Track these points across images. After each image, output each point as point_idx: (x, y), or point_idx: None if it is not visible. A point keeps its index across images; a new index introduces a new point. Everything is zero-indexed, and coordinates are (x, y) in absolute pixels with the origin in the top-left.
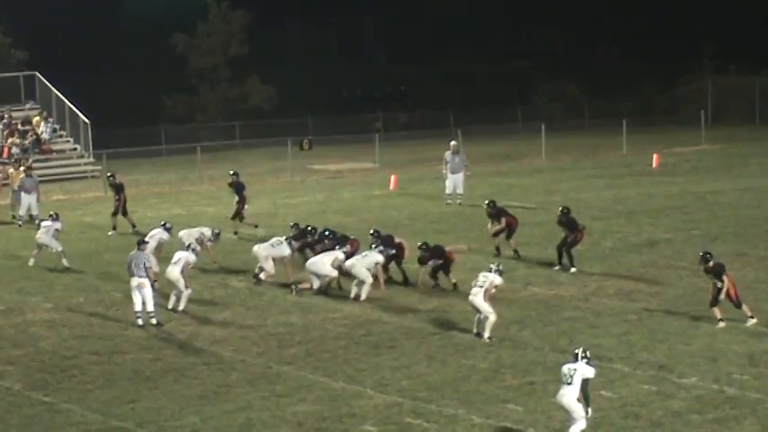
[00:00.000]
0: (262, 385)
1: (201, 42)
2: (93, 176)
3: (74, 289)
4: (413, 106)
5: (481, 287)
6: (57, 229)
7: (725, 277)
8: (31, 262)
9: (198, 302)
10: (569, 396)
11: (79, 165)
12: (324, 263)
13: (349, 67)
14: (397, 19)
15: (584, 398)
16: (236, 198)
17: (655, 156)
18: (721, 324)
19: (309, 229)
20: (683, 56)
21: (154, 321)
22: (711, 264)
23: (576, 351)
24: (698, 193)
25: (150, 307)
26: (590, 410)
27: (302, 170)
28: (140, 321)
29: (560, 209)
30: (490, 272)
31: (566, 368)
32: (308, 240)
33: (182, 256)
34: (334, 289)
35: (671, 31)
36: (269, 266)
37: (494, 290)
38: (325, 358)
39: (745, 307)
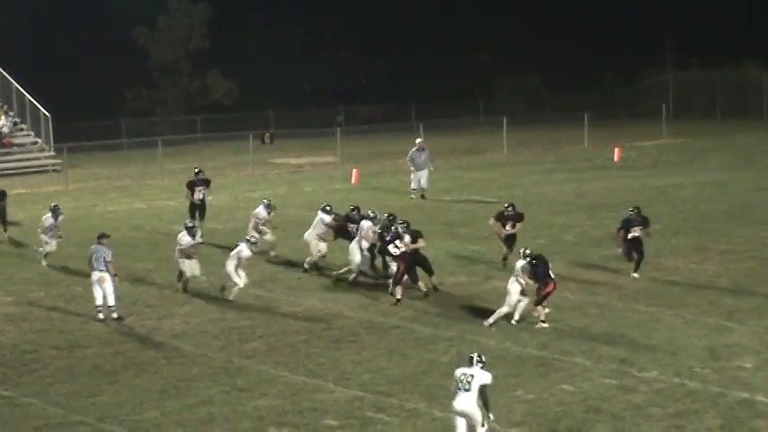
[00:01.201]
0: (223, 379)
1: (162, 36)
2: (54, 170)
3: (34, 283)
4: (374, 100)
5: (515, 275)
6: (52, 224)
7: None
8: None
9: (158, 297)
10: (468, 402)
11: (40, 158)
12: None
13: (310, 61)
14: (358, 13)
15: (485, 404)
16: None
17: (616, 149)
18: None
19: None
20: (644, 50)
21: (115, 315)
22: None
23: (471, 355)
24: (659, 187)
25: (111, 301)
26: (492, 416)
27: (263, 164)
28: (101, 315)
29: (631, 209)
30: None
31: (460, 373)
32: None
33: (238, 249)
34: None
35: (632, 25)
36: (323, 246)
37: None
38: (287, 352)
39: (540, 309)
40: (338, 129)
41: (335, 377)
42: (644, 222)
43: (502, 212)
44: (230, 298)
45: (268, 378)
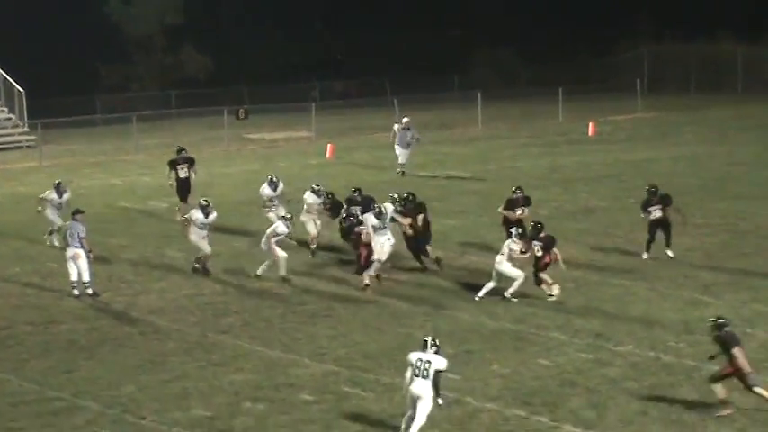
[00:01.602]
0: (198, 354)
1: (136, 11)
2: (28, 146)
3: (9, 259)
4: (349, 75)
5: (503, 254)
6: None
7: (555, 250)
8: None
9: (133, 272)
10: (425, 389)
11: (14, 135)
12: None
13: (285, 36)
14: None
15: (435, 388)
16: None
17: (590, 124)
18: (555, 290)
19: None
20: (618, 23)
21: (89, 291)
22: (543, 234)
23: (426, 339)
24: (633, 161)
25: (86, 277)
26: (440, 400)
27: (238, 139)
28: (76, 291)
29: (647, 187)
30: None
31: (416, 359)
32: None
33: (273, 226)
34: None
35: None
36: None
37: (516, 255)
38: (262, 327)
39: (547, 280)
40: (313, 104)
41: (311, 352)
42: (664, 200)
43: (510, 198)
44: (258, 273)
45: (243, 353)
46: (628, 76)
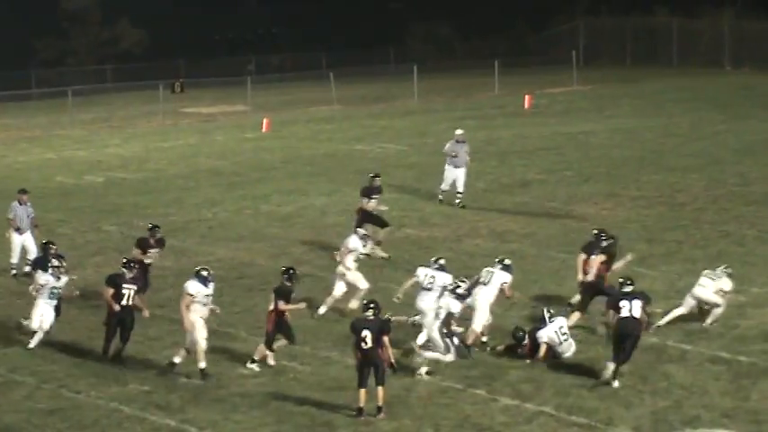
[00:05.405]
0: (135, 329)
1: None
2: None
3: None
4: (285, 49)
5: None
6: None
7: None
8: None
9: (69, 246)
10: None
11: None
12: None
13: (220, 10)
14: None
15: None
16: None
17: (527, 97)
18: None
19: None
20: None
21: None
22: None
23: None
24: (570, 133)
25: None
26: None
27: (174, 113)
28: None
29: None
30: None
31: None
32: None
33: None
34: None
35: None
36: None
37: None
38: None
39: None
40: (249, 78)
41: (248, 325)
42: None
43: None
44: None
45: (180, 327)
46: (564, 49)
